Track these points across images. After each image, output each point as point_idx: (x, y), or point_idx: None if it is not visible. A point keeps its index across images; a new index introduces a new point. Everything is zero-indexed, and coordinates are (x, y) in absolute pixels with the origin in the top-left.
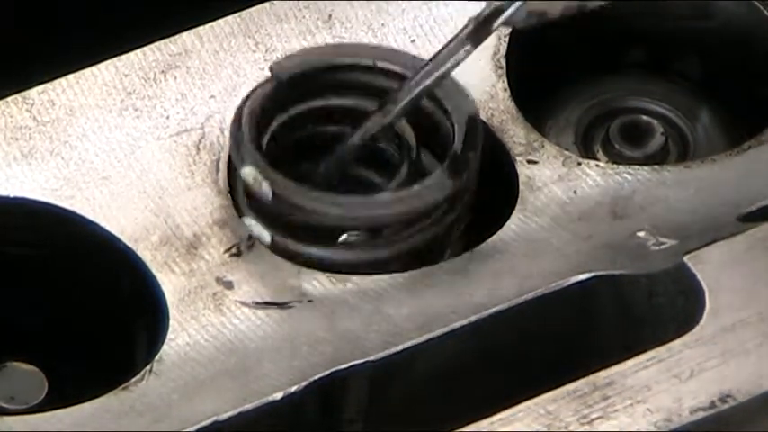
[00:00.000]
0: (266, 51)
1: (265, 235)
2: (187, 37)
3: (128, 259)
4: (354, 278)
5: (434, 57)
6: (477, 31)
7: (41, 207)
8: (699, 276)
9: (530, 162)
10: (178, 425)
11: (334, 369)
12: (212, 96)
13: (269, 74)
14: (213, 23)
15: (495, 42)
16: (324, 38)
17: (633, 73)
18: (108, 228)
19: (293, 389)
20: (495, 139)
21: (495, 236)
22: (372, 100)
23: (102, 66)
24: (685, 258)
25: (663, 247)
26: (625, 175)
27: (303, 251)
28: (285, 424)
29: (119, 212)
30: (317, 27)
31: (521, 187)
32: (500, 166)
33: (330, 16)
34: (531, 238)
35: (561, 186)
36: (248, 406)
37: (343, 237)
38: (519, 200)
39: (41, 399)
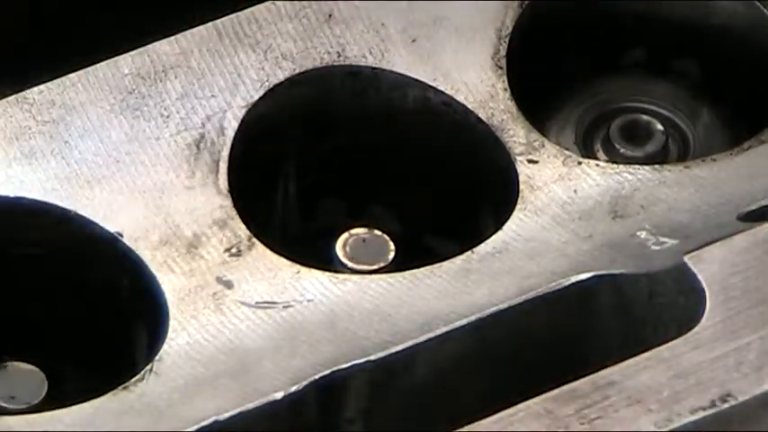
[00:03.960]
0: (266, 51)
1: None
2: (187, 37)
3: (128, 259)
4: (354, 278)
5: None
6: None
7: (41, 207)
8: (699, 276)
9: (530, 161)
10: (178, 425)
11: (334, 369)
12: (212, 96)
13: (269, 74)
14: (213, 23)
15: (495, 42)
16: (324, 37)
17: (633, 73)
18: (108, 228)
19: (293, 389)
20: (495, 139)
21: (495, 236)
22: None
23: (102, 66)
24: (686, 258)
25: (663, 246)
26: (625, 175)
27: None
28: (285, 424)
29: (119, 212)
30: (317, 27)
31: (521, 187)
32: (500, 166)
33: (330, 16)
34: (532, 237)
35: (561, 186)
36: (248, 406)
37: None
38: (519, 199)
39: (41, 399)
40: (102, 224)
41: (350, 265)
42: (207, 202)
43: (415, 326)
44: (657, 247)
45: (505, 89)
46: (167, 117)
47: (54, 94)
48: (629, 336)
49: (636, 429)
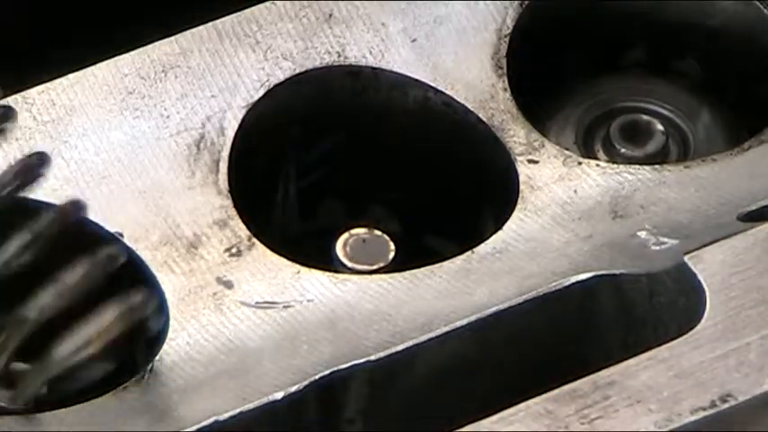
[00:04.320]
0: (266, 51)
1: None
2: (187, 37)
3: (128, 259)
4: (354, 278)
5: None
6: None
7: (41, 207)
8: (699, 276)
9: (530, 162)
10: (178, 425)
11: (334, 369)
12: (212, 96)
13: (269, 74)
14: (213, 23)
15: (496, 42)
16: (324, 37)
17: (633, 73)
18: (108, 228)
19: (293, 389)
20: (495, 139)
21: (495, 236)
22: None
23: (102, 66)
24: (686, 258)
25: (663, 246)
26: (625, 175)
27: None
28: (285, 424)
29: (119, 212)
30: (317, 27)
31: (521, 187)
32: (500, 166)
33: (330, 15)
34: (532, 237)
35: (562, 186)
36: (248, 406)
37: None
38: (519, 199)
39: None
40: (102, 224)
41: (350, 265)
42: (207, 202)
43: (415, 326)
44: (657, 247)
45: (505, 89)
46: (167, 117)
47: (54, 94)
48: (629, 336)
49: (636, 429)
